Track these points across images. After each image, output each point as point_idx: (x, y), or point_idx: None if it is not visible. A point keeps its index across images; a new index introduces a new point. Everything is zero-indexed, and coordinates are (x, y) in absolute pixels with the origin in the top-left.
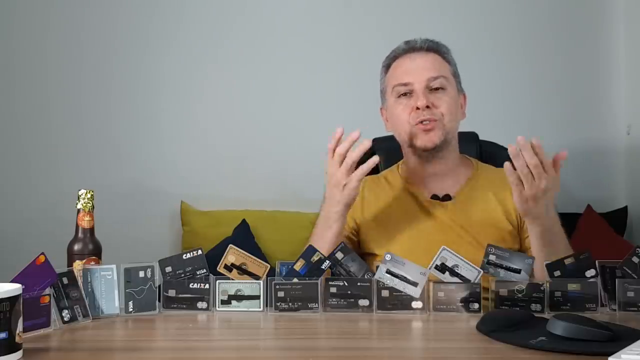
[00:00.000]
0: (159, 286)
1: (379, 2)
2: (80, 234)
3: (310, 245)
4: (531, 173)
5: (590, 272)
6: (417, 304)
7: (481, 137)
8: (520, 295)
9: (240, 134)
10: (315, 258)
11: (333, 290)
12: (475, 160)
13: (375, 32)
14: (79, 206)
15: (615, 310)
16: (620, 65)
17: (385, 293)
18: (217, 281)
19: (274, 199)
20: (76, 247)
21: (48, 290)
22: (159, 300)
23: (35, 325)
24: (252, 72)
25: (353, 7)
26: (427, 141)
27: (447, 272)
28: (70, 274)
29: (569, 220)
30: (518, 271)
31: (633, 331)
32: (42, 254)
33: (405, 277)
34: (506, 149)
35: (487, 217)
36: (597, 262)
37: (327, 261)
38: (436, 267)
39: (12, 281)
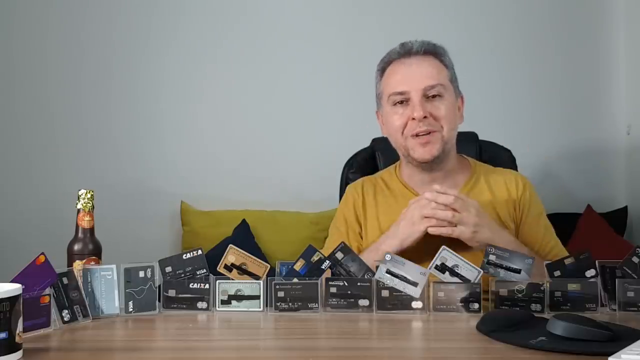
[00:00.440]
0: (159, 286)
1: (379, 2)
2: (80, 234)
3: (310, 245)
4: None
5: (590, 272)
6: (417, 304)
7: (481, 137)
8: (520, 295)
9: (240, 134)
10: (315, 258)
11: (333, 290)
12: (472, 160)
13: (375, 32)
14: (79, 206)
15: (615, 310)
16: (620, 65)
17: (385, 293)
18: (217, 281)
19: (274, 199)
20: (76, 247)
21: (48, 290)
22: (159, 300)
23: (35, 325)
24: (252, 72)
25: (353, 7)
26: (424, 153)
27: (447, 272)
28: (70, 274)
29: (569, 220)
30: (518, 271)
31: (633, 331)
32: (42, 254)
33: (405, 277)
34: (506, 149)
35: None
36: (597, 262)
37: (327, 261)
38: (436, 267)
39: (12, 281)
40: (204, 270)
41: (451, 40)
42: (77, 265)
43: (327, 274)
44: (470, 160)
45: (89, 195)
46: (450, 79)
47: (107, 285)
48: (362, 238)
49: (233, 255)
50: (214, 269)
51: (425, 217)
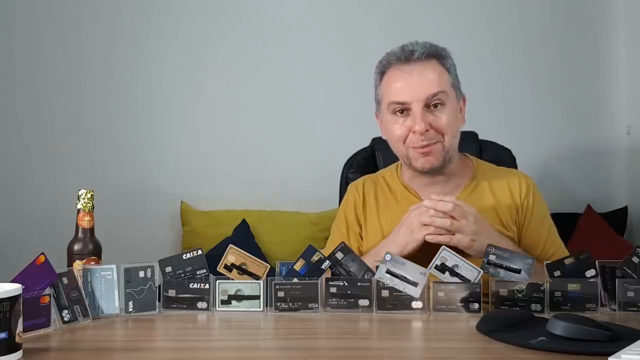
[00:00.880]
0: (159, 286)
1: (379, 2)
2: (80, 234)
3: (310, 245)
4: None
5: (590, 272)
6: (417, 304)
7: (481, 137)
8: (520, 295)
9: (240, 134)
10: (315, 258)
11: (333, 290)
12: (474, 159)
13: (375, 32)
14: (79, 206)
15: (615, 310)
16: (620, 65)
17: (385, 293)
18: (217, 281)
19: (274, 199)
20: (76, 247)
21: (48, 290)
22: (159, 300)
23: (35, 325)
24: (252, 72)
25: (353, 7)
26: (425, 163)
27: (447, 272)
28: (70, 274)
29: (569, 220)
30: (518, 271)
31: (633, 331)
32: (42, 254)
33: (405, 277)
34: (506, 149)
35: (487, 219)
36: (597, 262)
37: (327, 261)
38: (436, 267)
39: (12, 281)
40: (204, 270)
41: (451, 41)
42: (77, 265)
43: (327, 274)
44: (473, 160)
45: (89, 195)
46: (452, 83)
47: (107, 285)
48: (362, 239)
49: (233, 255)
50: (214, 269)
51: (424, 225)
